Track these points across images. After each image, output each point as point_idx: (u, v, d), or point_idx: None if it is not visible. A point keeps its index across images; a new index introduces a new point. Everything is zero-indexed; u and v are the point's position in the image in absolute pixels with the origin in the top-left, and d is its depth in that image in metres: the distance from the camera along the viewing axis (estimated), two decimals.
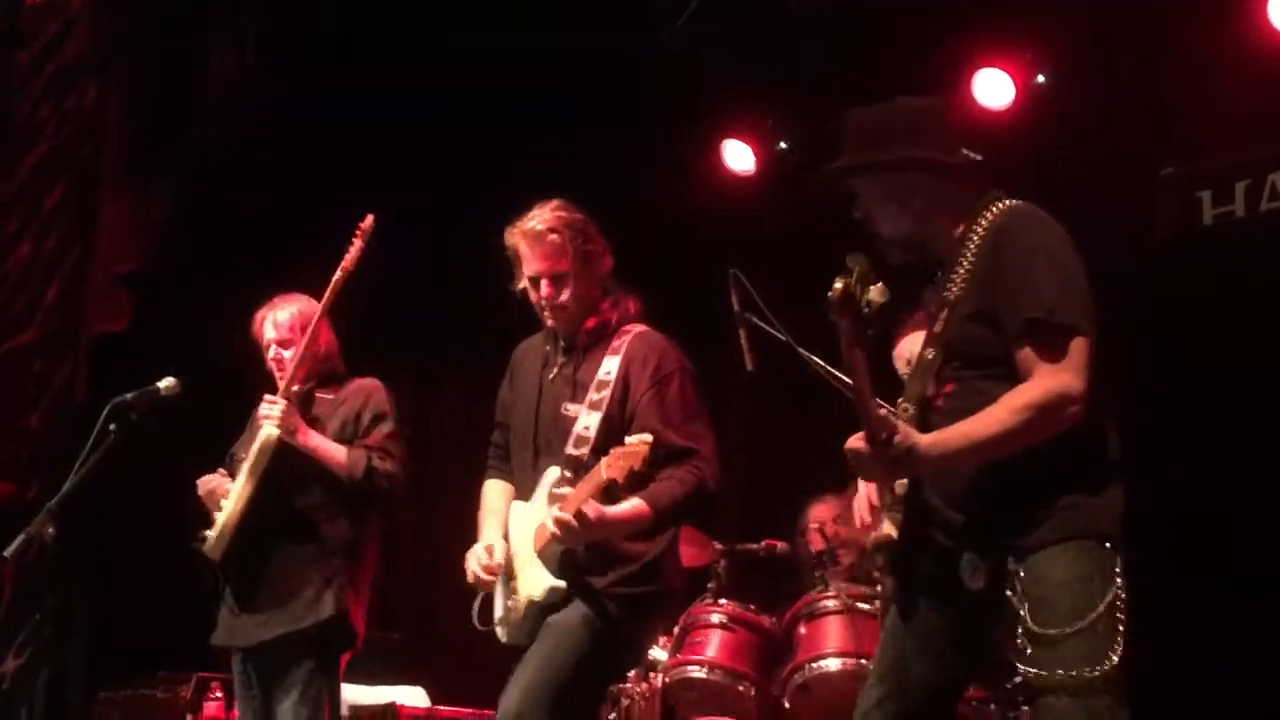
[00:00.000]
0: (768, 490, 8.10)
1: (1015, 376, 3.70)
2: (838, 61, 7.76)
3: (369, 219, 5.67)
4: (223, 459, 5.94)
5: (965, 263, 3.83)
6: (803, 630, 6.20)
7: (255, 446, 5.50)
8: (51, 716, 7.68)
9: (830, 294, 3.44)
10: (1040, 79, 7.50)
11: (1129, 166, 7.03)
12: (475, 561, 4.74)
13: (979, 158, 4.00)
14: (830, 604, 6.15)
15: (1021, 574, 3.67)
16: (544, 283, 4.76)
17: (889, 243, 3.97)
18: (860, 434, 3.63)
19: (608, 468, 4.30)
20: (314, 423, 5.61)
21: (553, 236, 4.75)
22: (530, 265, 4.78)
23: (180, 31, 8.16)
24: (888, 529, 3.83)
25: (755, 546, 6.75)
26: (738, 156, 8.51)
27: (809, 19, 7.83)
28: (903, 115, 4.03)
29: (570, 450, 4.59)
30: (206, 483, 5.68)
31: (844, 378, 4.17)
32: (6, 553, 5.44)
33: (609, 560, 4.56)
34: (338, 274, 5.62)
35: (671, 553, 4.76)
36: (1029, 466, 3.68)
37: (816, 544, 6.59)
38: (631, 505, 4.45)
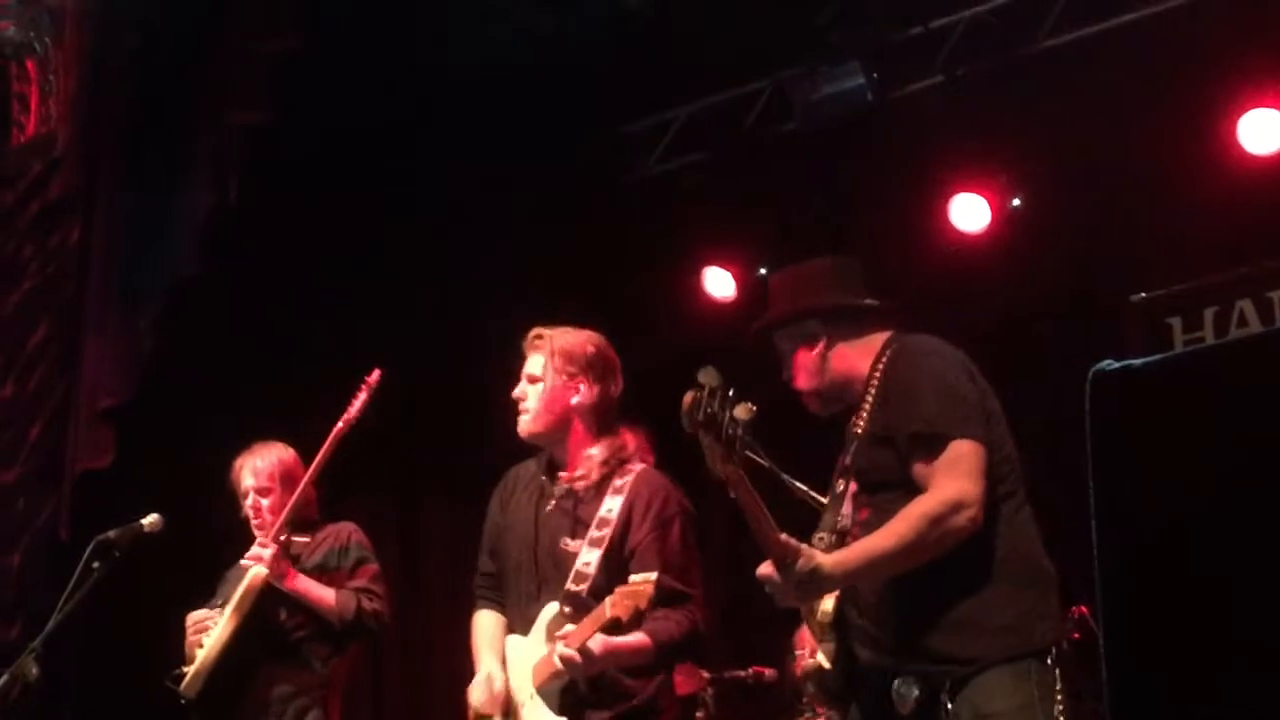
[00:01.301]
0: (753, 616, 8.06)
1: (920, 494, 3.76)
2: (814, 186, 7.85)
3: (375, 374, 5.70)
4: (206, 596, 5.93)
5: (869, 399, 3.96)
6: None
7: (241, 587, 5.51)
8: None
9: (682, 408, 3.52)
10: (1016, 203, 7.58)
11: (1101, 291, 7.09)
12: (477, 694, 4.72)
13: (875, 303, 4.16)
14: None
15: (951, 705, 3.68)
16: (522, 382, 4.82)
17: (809, 396, 4.09)
18: (768, 561, 3.67)
19: (613, 606, 4.30)
20: (293, 563, 5.64)
21: (538, 342, 4.84)
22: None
23: (163, 166, 8.22)
24: (819, 659, 3.90)
25: (743, 674, 6.73)
26: (718, 283, 8.57)
27: (784, 148, 7.92)
28: (808, 271, 4.28)
29: (570, 586, 4.58)
30: (195, 618, 5.68)
31: (821, 499, 4.22)
32: None
33: (609, 697, 4.55)
34: (339, 425, 5.66)
35: (668, 690, 4.77)
36: (948, 583, 3.73)
37: (799, 667, 6.57)
38: (635, 638, 4.46)
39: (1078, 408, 3.82)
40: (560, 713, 4.53)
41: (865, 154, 7.80)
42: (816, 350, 4.08)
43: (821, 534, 3.88)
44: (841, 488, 3.95)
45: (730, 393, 3.53)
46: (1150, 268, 7.01)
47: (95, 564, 5.52)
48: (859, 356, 4.05)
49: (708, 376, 3.52)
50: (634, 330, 8.24)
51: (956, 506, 3.66)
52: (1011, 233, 7.58)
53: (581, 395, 4.78)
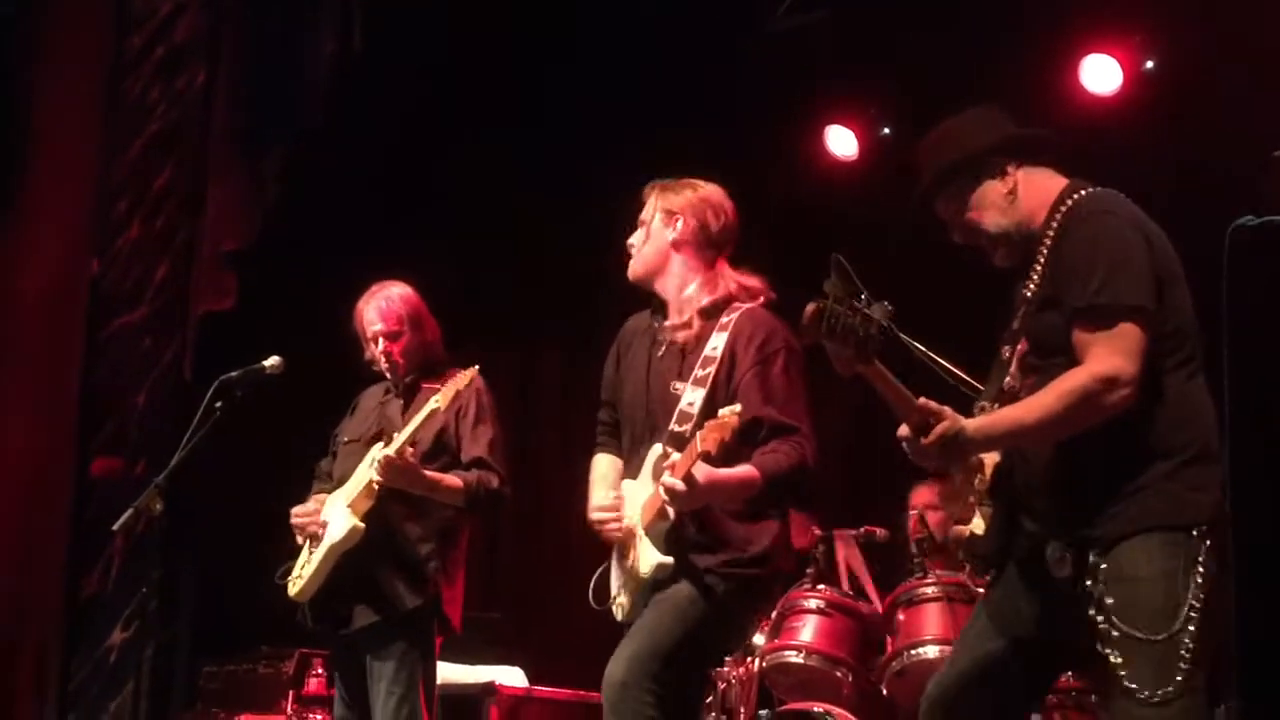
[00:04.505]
0: (868, 476, 8.07)
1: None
2: (942, 46, 7.72)
3: (473, 372, 5.56)
4: (324, 438, 6.00)
5: (1042, 258, 3.87)
6: (901, 617, 6.18)
7: (340, 536, 5.48)
8: (157, 689, 7.80)
9: (804, 317, 3.48)
10: (1149, 65, 7.42)
11: (1238, 150, 6.93)
12: (597, 511, 4.74)
13: (1052, 134, 4.06)
14: (929, 591, 6.12)
15: (1104, 566, 3.66)
16: (637, 230, 4.86)
17: (997, 239, 3.96)
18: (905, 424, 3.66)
19: (702, 440, 4.28)
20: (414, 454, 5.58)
21: (648, 190, 4.87)
22: None
23: (288, 12, 8.25)
24: (975, 524, 3.89)
25: (855, 532, 6.72)
26: (841, 142, 8.48)
27: (910, 4, 7.79)
28: (959, 121, 4.11)
29: (674, 427, 4.56)
30: (301, 519, 5.68)
31: (947, 365, 4.18)
32: (115, 526, 5.53)
33: (719, 541, 4.54)
34: (434, 407, 5.49)
35: (782, 538, 4.72)
36: (1109, 452, 3.68)
37: (915, 530, 6.57)
38: (742, 469, 4.44)
39: (1214, 267, 3.78)
40: (666, 552, 4.50)
41: (995, 13, 7.64)
42: (1008, 185, 3.96)
43: (983, 403, 3.84)
44: (1007, 353, 3.89)
45: (862, 296, 3.47)
46: None
47: (217, 404, 5.62)
48: (1044, 194, 3.93)
49: (832, 287, 3.46)
50: (756, 186, 8.21)
51: (1110, 384, 3.60)
52: (1143, 95, 7.42)
53: (678, 231, 4.78)
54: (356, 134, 8.27)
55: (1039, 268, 3.86)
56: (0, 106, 8.45)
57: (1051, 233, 3.86)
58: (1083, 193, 3.90)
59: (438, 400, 5.42)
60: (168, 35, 8.45)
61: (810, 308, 3.45)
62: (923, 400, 3.63)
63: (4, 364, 8.34)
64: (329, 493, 5.71)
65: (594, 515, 4.75)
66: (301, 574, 5.59)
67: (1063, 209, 3.87)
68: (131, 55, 8.49)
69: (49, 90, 8.51)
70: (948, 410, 3.64)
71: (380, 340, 5.75)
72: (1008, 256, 3.98)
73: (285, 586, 5.67)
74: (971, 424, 3.65)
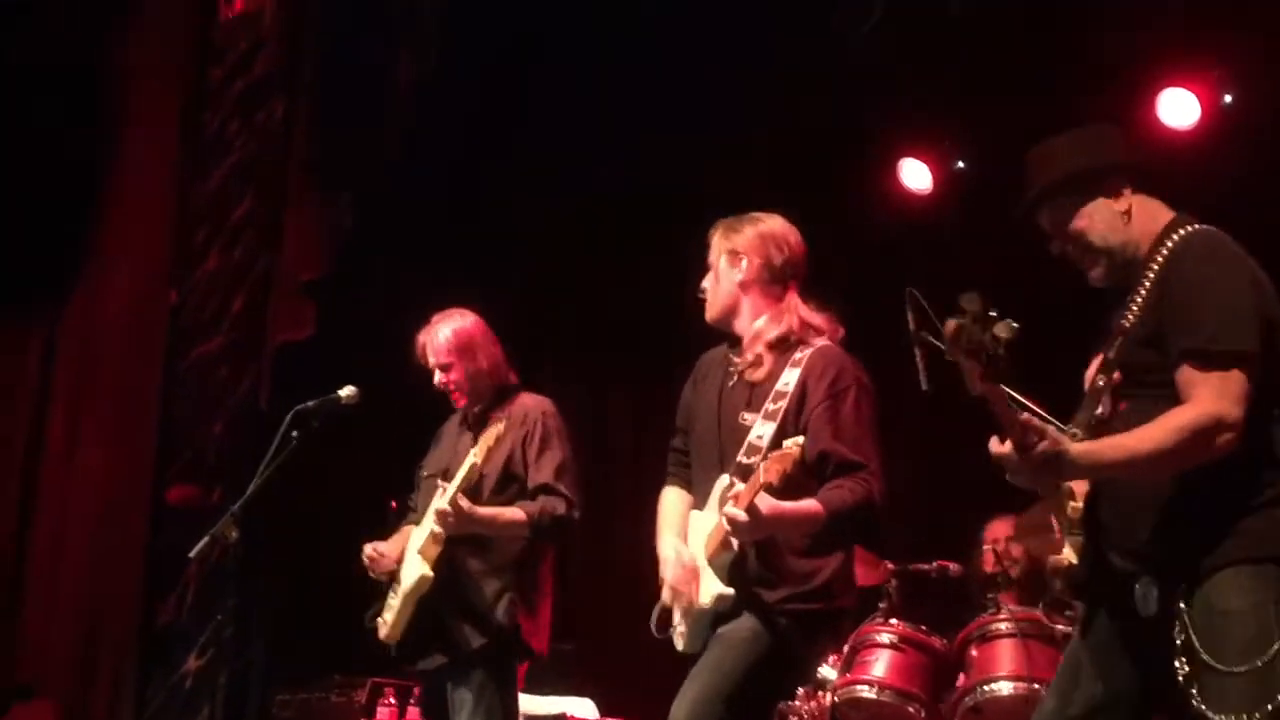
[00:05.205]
0: (941, 511, 8.03)
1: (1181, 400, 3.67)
2: (1017, 79, 7.70)
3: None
4: (399, 467, 6.03)
5: (1143, 289, 3.82)
6: (974, 652, 6.14)
7: (411, 584, 5.51)
8: (231, 716, 7.85)
9: (946, 334, 3.43)
10: (1227, 99, 7.37)
11: None
12: (671, 572, 4.69)
13: (1162, 164, 4.04)
14: (1003, 626, 6.09)
15: (1187, 604, 3.62)
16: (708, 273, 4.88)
17: (1099, 255, 3.93)
18: (1005, 440, 3.61)
19: (765, 471, 4.28)
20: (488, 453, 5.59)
21: (712, 231, 4.87)
22: None
23: (365, 45, 8.33)
24: (1067, 554, 3.85)
25: (927, 567, 6.70)
26: (915, 175, 8.47)
27: (988, 36, 7.77)
28: (1085, 134, 4.08)
29: (742, 459, 4.56)
30: (370, 560, 5.68)
31: (1018, 398, 4.15)
32: (191, 554, 5.57)
33: (781, 575, 4.52)
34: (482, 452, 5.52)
35: (845, 572, 4.69)
36: (1200, 489, 3.64)
37: (989, 564, 6.53)
38: (806, 503, 4.42)
39: None
40: (729, 584, 4.50)
41: (1073, 47, 7.62)
42: (1122, 205, 3.92)
43: (1075, 430, 3.79)
44: (1101, 382, 3.85)
45: (991, 313, 3.46)
46: None
47: (293, 433, 5.66)
48: (1153, 223, 3.90)
49: (970, 302, 3.44)
50: (828, 219, 8.21)
51: (1217, 426, 3.56)
52: (1221, 129, 7.37)
53: (744, 272, 4.78)
54: (432, 164, 8.32)
55: (1140, 298, 3.82)
56: (82, 139, 8.58)
57: (1157, 264, 3.81)
58: (1192, 228, 3.86)
59: (475, 455, 5.46)
60: (248, 69, 8.56)
61: (952, 324, 3.42)
62: (1025, 416, 3.59)
63: (84, 393, 8.45)
64: (416, 524, 5.76)
65: (665, 576, 4.75)
66: (386, 618, 5.63)
67: (1170, 242, 3.83)
68: (212, 88, 8.60)
69: (130, 123, 8.63)
70: (1051, 430, 3.59)
71: (436, 373, 5.78)
72: (1106, 275, 3.95)
73: (374, 628, 5.70)
74: (1076, 448, 3.59)
